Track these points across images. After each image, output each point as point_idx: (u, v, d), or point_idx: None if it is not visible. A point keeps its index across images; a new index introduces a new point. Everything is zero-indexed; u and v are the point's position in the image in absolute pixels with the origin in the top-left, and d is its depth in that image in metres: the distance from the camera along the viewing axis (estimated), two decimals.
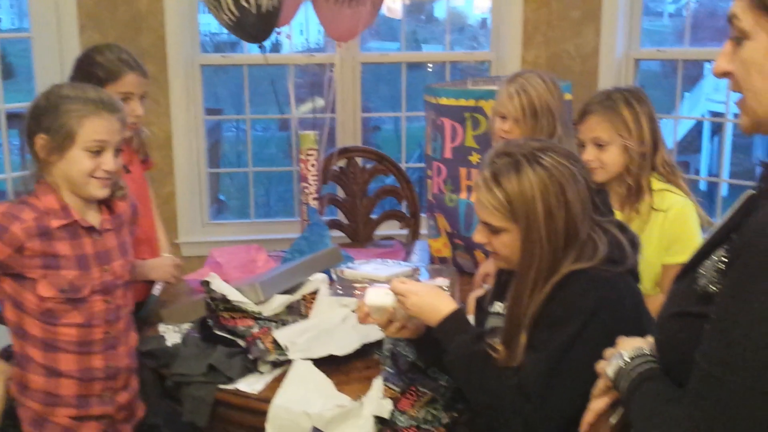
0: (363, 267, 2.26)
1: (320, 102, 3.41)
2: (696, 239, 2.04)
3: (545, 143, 1.56)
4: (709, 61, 3.68)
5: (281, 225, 3.90)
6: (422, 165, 3.45)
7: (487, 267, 2.39)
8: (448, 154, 2.57)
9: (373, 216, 3.23)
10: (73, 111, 1.73)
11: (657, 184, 2.08)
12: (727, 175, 5.67)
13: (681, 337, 1.06)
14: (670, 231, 2.05)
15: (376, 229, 3.25)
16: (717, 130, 12.06)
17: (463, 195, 2.55)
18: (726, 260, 0.98)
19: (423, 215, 3.18)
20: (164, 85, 3.56)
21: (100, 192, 1.78)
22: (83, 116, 1.73)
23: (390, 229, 3.37)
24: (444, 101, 2.55)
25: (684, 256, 2.02)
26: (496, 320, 1.63)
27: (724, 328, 0.94)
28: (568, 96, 2.52)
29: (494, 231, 1.54)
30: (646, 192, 2.07)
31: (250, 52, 3.79)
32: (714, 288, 1.00)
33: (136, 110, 2.21)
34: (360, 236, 3.18)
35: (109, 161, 1.77)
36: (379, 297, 1.69)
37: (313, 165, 2.65)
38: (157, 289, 2.29)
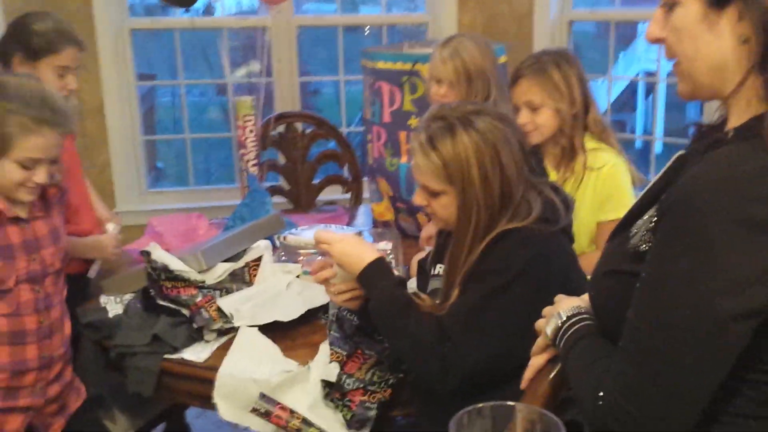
0: (306, 233, 2.28)
1: (256, 66, 3.37)
2: (628, 196, 2.12)
3: (478, 106, 1.60)
4: (643, 21, 3.77)
5: (221, 192, 3.87)
6: (363, 129, 3.47)
7: (431, 229, 2.42)
8: (387, 119, 2.58)
9: (315, 181, 3.23)
10: (14, 120, 1.65)
11: (590, 143, 2.15)
12: (661, 133, 5.83)
13: (614, 295, 1.10)
14: (603, 189, 2.12)
15: (319, 194, 3.25)
16: (651, 89, 12.35)
17: (404, 159, 2.57)
18: (655, 220, 1.03)
19: (365, 179, 3.20)
20: (93, 51, 3.46)
21: (28, 197, 1.73)
22: (23, 131, 1.66)
23: (332, 194, 3.38)
24: (381, 65, 2.56)
25: (617, 213, 2.12)
26: (438, 282, 1.67)
27: (653, 287, 0.98)
28: (503, 59, 2.56)
29: (432, 194, 1.57)
30: (580, 152, 2.13)
31: (182, 15, 3.72)
32: (645, 247, 1.04)
33: (70, 84, 2.18)
34: (302, 202, 3.18)
35: (41, 175, 1.70)
36: None
37: (251, 131, 2.64)
38: (93, 271, 2.26)
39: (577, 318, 1.21)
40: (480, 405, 0.80)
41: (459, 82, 2.23)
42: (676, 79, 1.10)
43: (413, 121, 2.52)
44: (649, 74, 11.61)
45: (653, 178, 1.17)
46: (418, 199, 1.62)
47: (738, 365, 0.96)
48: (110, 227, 2.30)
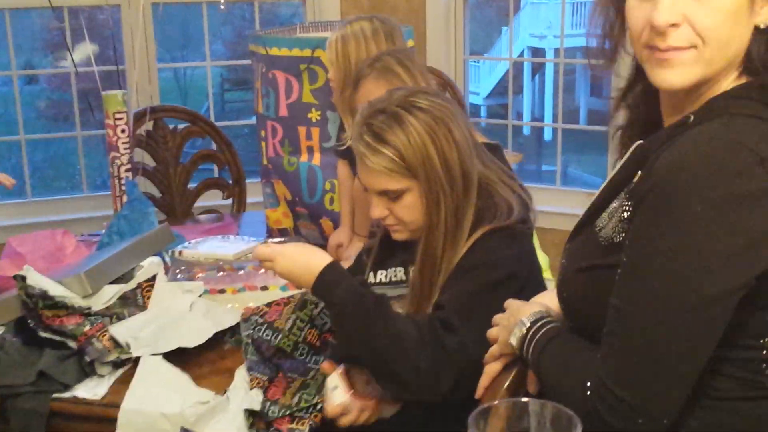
0: (203, 246, 2.34)
1: (88, 50, 3.37)
2: None
3: (411, 88, 1.74)
4: None
5: (65, 203, 3.86)
6: (239, 123, 3.55)
7: (339, 237, 2.58)
8: (283, 112, 2.68)
9: (190, 186, 3.28)
10: None
11: None
12: (550, 119, 6.22)
13: (590, 290, 1.27)
14: None
15: (195, 201, 3.30)
16: (538, 68, 12.95)
17: (304, 157, 2.68)
18: (629, 208, 1.20)
19: (249, 181, 3.29)
20: None
21: None
22: None
23: (210, 200, 3.44)
24: (275, 52, 2.65)
25: None
26: (383, 290, 1.80)
27: (636, 270, 1.15)
28: (411, 43, 2.73)
29: (394, 197, 1.68)
30: None
31: None
32: (619, 237, 1.21)
33: None
34: (177, 210, 3.22)
35: None
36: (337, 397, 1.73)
37: (123, 131, 2.67)
38: None
39: (541, 322, 1.36)
40: (495, 402, 0.94)
41: (339, 66, 2.40)
42: (682, 64, 1.17)
43: (314, 114, 2.64)
44: (536, 51, 12.24)
45: (613, 171, 1.35)
46: (377, 210, 1.70)
47: (720, 343, 1.14)
48: None
